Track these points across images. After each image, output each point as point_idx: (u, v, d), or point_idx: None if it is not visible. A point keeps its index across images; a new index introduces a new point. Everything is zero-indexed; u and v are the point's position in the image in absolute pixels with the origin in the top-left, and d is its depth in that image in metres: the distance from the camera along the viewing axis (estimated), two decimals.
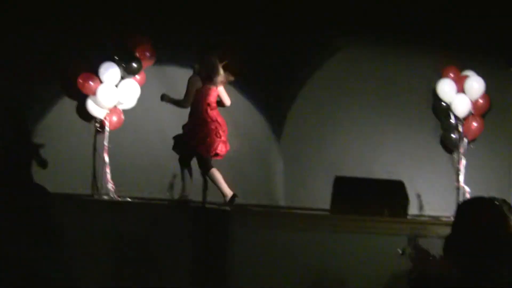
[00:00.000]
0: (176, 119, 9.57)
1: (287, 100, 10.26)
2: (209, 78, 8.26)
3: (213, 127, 8.23)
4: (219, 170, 8.18)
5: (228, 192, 8.18)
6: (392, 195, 7.96)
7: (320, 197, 9.04)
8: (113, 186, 9.29)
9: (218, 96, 8.41)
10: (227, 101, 8.47)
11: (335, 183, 7.95)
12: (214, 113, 8.33)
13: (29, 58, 9.52)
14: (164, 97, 8.58)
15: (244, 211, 7.50)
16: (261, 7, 10.05)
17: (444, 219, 8.23)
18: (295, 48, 10.15)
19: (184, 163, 8.35)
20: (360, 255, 6.98)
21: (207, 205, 7.04)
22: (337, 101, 10.34)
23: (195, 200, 8.61)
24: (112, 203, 8.72)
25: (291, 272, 6.81)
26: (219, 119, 8.31)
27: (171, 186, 9.66)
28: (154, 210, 7.70)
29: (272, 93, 10.18)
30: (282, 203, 9.90)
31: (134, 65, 9.45)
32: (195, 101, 8.28)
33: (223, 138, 8.29)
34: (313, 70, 10.31)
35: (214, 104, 8.30)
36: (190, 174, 8.36)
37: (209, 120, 8.25)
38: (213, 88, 8.31)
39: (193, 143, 8.20)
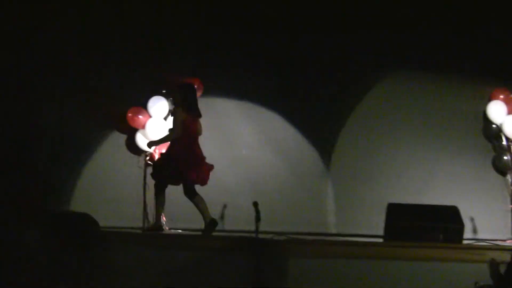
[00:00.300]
0: (223, 151, 10.07)
1: (336, 129, 10.19)
2: (192, 110, 8.46)
3: (200, 155, 8.48)
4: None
5: (209, 217, 8.45)
6: (446, 220, 7.81)
7: (372, 223, 8.95)
8: (164, 219, 9.23)
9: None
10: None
11: (388, 210, 7.87)
12: (197, 142, 8.53)
13: (80, 92, 9.72)
14: (151, 144, 8.83)
15: (297, 240, 7.45)
16: (304, 43, 10.12)
17: (499, 242, 8.11)
18: (343, 78, 10.16)
19: (161, 191, 8.50)
20: (416, 283, 6.89)
21: (259, 235, 6.62)
22: (386, 129, 10.23)
23: (238, 229, 8.81)
24: (164, 236, 8.69)
25: None
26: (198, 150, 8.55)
27: (222, 217, 9.78)
28: (206, 241, 7.72)
29: (320, 123, 10.14)
30: (333, 230, 9.82)
31: None
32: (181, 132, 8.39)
33: (206, 166, 8.54)
34: (361, 98, 10.27)
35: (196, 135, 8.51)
36: (164, 202, 8.56)
37: (196, 149, 8.49)
38: (197, 119, 8.52)
39: (184, 170, 8.32)
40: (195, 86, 8.90)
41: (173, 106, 8.72)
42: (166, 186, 8.44)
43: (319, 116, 10.11)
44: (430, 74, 10.25)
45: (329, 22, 10.23)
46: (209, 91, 9.98)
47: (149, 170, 9.53)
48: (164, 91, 9.67)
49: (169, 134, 8.55)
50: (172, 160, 8.31)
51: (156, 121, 9.50)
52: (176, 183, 8.44)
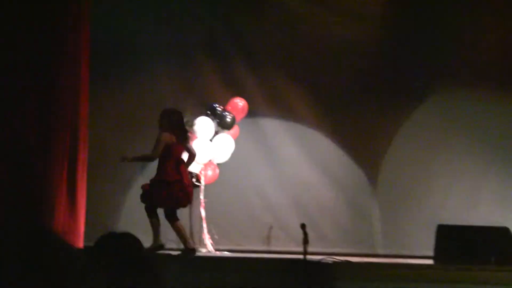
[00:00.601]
0: (269, 171, 10.12)
1: (382, 148, 10.17)
2: (178, 135, 8.51)
3: (185, 181, 8.53)
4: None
5: (190, 245, 8.53)
6: (498, 242, 7.64)
7: (420, 244, 8.93)
8: (211, 240, 9.34)
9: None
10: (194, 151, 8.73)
11: (438, 232, 7.68)
12: (183, 165, 8.62)
13: (127, 112, 9.93)
14: (125, 158, 8.76)
15: (346, 263, 7.37)
16: (348, 61, 10.15)
17: None
18: (390, 95, 10.16)
19: (153, 213, 8.53)
20: None
21: (307, 258, 6.72)
22: (433, 146, 10.14)
23: (285, 250, 8.97)
24: (210, 258, 8.74)
25: None
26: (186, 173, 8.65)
27: (268, 238, 9.91)
28: (253, 263, 7.70)
29: (366, 142, 10.17)
30: (381, 251, 9.75)
31: (228, 119, 9.53)
32: (166, 156, 8.47)
33: (190, 189, 8.65)
34: (409, 115, 10.19)
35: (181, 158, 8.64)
36: (159, 221, 8.53)
37: (184, 172, 8.57)
38: (182, 145, 8.59)
39: (175, 192, 8.46)
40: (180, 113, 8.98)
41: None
42: (156, 208, 8.54)
43: (365, 135, 10.11)
44: (479, 90, 10.09)
45: (373, 42, 10.26)
46: (255, 112, 10.04)
47: (195, 191, 9.50)
48: (209, 112, 9.60)
49: (147, 154, 8.68)
50: (163, 183, 8.41)
51: (202, 142, 9.45)
52: (168, 205, 8.55)
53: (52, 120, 9.29)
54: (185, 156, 8.67)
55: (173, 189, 8.47)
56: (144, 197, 8.54)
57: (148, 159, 8.81)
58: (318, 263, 7.09)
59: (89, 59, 9.64)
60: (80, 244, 9.07)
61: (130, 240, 3.39)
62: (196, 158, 9.31)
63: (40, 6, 9.42)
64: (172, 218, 8.52)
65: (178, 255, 8.58)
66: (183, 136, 8.63)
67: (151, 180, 8.56)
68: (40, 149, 9.14)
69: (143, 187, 8.62)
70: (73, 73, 9.43)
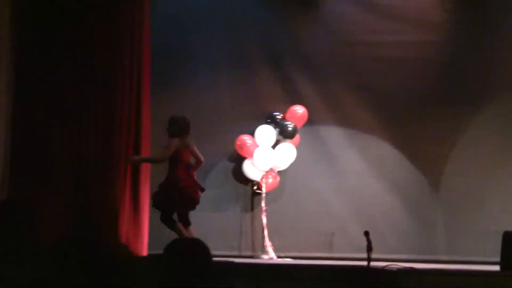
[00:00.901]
0: (330, 179, 10.18)
1: (445, 154, 10.10)
2: (186, 140, 8.66)
3: (195, 185, 8.70)
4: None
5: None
6: None
7: (483, 250, 9.06)
8: (272, 247, 9.43)
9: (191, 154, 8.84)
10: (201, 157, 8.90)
11: (505, 238, 7.53)
12: (191, 169, 8.80)
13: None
14: (132, 160, 9.06)
15: (410, 270, 7.27)
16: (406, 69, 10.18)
17: None
18: (450, 101, 10.05)
19: (170, 219, 8.63)
20: None
21: (371, 265, 6.76)
22: (495, 152, 10.07)
23: (347, 257, 8.95)
24: (271, 266, 8.65)
25: None
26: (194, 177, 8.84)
27: (330, 244, 9.85)
28: (316, 270, 7.56)
29: (428, 149, 10.12)
30: (444, 257, 9.61)
31: (290, 129, 9.64)
32: (177, 161, 8.60)
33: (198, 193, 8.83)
34: (470, 121, 10.12)
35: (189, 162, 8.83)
36: (177, 223, 8.65)
37: (193, 176, 8.75)
38: (189, 150, 8.77)
39: (191, 195, 8.61)
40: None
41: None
42: (172, 214, 8.62)
43: (426, 142, 10.05)
44: None
45: (433, 49, 10.27)
46: (315, 120, 10.08)
47: (256, 198, 9.82)
48: (269, 121, 9.75)
49: (155, 157, 8.95)
50: (175, 188, 8.52)
51: (264, 149, 9.56)
52: (180, 208, 8.64)
53: (116, 126, 9.38)
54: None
55: (185, 192, 8.58)
56: (157, 204, 8.68)
57: (154, 161, 8.99)
58: (382, 270, 7.02)
59: (151, 67, 9.71)
60: (144, 252, 9.23)
61: (200, 247, 3.44)
62: (258, 166, 9.49)
63: (105, 18, 9.57)
64: (187, 221, 8.68)
65: (245, 263, 8.64)
66: (189, 142, 8.77)
67: (161, 185, 8.69)
68: (104, 155, 9.25)
69: (155, 194, 8.77)
70: (135, 82, 9.55)
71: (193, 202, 8.72)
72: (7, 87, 9.29)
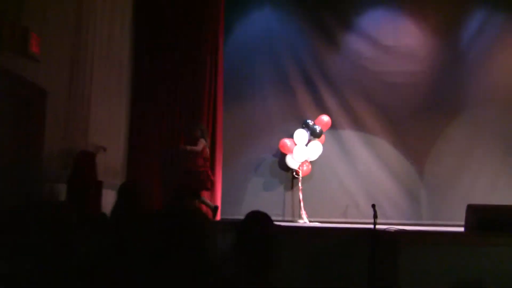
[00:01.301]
0: (348, 168, 10.30)
1: (427, 148, 10.28)
2: (206, 141, 8.97)
3: (209, 171, 9.02)
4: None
5: (212, 204, 9.06)
6: None
7: (456, 216, 8.40)
8: (306, 214, 9.74)
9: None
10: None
11: (468, 210, 7.11)
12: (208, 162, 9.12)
13: (248, 124, 10.26)
14: (182, 148, 9.08)
15: (403, 231, 6.90)
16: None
17: None
18: (433, 111, 10.24)
19: (199, 195, 8.97)
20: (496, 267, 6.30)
21: (377, 228, 6.61)
22: (466, 146, 10.27)
23: (358, 221, 9.05)
24: (306, 227, 8.90)
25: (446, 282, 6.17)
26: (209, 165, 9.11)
27: (346, 213, 10.03)
28: (336, 232, 7.46)
29: (415, 144, 10.25)
30: (426, 222, 9.69)
31: (317, 130, 9.89)
32: (198, 154, 8.82)
33: (212, 177, 9.10)
34: (447, 125, 10.34)
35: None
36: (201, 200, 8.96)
37: (207, 167, 9.02)
38: (206, 147, 9.03)
39: (209, 177, 8.92)
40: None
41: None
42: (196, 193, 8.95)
43: (416, 140, 10.25)
44: (491, 107, 10.31)
45: (422, 74, 10.48)
46: (337, 125, 10.36)
47: (295, 181, 9.97)
48: (303, 126, 9.97)
49: (194, 148, 8.85)
50: (196, 173, 8.83)
51: (300, 147, 9.83)
52: (206, 187, 8.97)
53: (203, 124, 9.43)
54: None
55: (203, 175, 8.87)
56: (183, 188, 8.82)
57: (194, 151, 8.85)
58: (384, 231, 6.86)
59: (223, 81, 9.89)
60: (218, 217, 9.23)
61: (263, 216, 3.40)
62: (295, 158, 9.72)
63: (192, 49, 9.67)
64: (198, 196, 8.95)
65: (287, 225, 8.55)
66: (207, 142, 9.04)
67: (184, 172, 8.87)
68: (187, 150, 9.16)
69: (184, 182, 8.87)
70: (213, 96, 9.69)
71: (207, 184, 8.91)
72: (126, 95, 9.43)
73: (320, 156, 10.06)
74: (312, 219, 9.76)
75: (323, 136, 10.08)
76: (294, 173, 10.12)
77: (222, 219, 9.43)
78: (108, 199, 6.54)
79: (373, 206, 6.76)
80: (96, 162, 6.89)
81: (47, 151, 6.23)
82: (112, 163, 8.53)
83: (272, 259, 2.99)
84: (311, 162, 10.11)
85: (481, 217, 6.95)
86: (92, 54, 7.58)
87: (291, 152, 9.95)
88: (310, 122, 10.07)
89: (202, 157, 8.95)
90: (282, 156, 10.19)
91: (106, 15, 8.17)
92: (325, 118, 10.17)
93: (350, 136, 10.47)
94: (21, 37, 5.49)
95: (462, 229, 7.27)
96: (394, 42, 10.57)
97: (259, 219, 3.41)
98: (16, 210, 2.92)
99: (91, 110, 7.58)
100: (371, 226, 6.86)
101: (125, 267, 1.81)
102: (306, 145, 9.96)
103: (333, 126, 10.32)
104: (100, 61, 7.92)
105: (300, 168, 9.97)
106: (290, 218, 10.08)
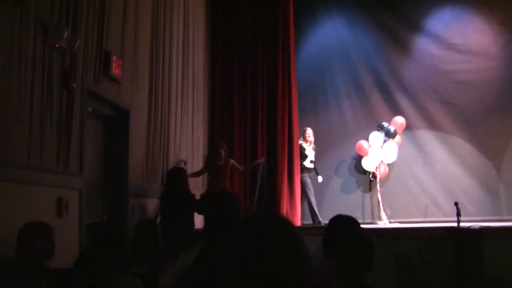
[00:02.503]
0: (425, 168, 10.23)
1: (503, 145, 10.07)
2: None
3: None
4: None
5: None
6: None
7: None
8: (386, 215, 9.69)
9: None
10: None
11: None
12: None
13: (323, 131, 10.25)
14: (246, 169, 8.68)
15: (487, 228, 6.74)
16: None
17: None
18: (506, 106, 10.03)
19: None
20: None
21: (460, 226, 6.70)
22: None
23: (439, 219, 9.04)
24: (386, 228, 8.77)
25: None
26: None
27: (426, 211, 10.00)
28: (419, 232, 7.43)
29: (491, 142, 10.07)
30: (506, 217, 9.52)
31: (391, 130, 9.84)
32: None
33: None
34: None
35: None
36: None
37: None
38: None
39: None
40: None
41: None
42: None
43: (491, 137, 10.06)
44: None
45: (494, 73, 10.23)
46: (412, 126, 10.30)
47: (373, 184, 9.92)
48: (379, 128, 9.94)
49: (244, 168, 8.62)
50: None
51: (375, 148, 9.83)
52: None
53: (279, 141, 9.55)
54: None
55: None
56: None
57: (243, 172, 8.67)
58: (468, 229, 6.78)
59: (297, 91, 9.86)
60: (298, 223, 9.28)
61: (350, 218, 3.46)
62: (371, 159, 9.68)
63: (270, 64, 9.87)
64: None
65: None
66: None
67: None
68: (271, 155, 9.47)
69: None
70: (287, 106, 9.72)
71: None
72: (203, 108, 9.52)
73: (397, 158, 10.02)
74: (392, 220, 9.63)
75: (399, 138, 10.00)
76: (371, 176, 10.05)
77: (303, 225, 9.42)
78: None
79: (456, 204, 6.73)
80: (187, 176, 6.91)
81: (131, 167, 6.31)
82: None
83: (367, 260, 2.98)
84: (388, 164, 10.04)
85: None
86: (169, 71, 7.71)
87: (367, 154, 9.90)
88: (385, 124, 10.02)
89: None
90: (360, 159, 10.16)
91: (180, 33, 8.30)
92: (400, 119, 10.10)
93: (426, 136, 10.38)
94: (104, 60, 5.66)
95: None
96: (464, 40, 10.40)
97: (346, 221, 3.47)
98: None
99: (171, 125, 7.70)
100: (453, 224, 6.85)
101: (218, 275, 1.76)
102: (382, 146, 9.87)
103: (408, 127, 10.26)
104: (177, 79, 8.05)
105: (378, 169, 9.87)
106: (369, 220, 9.97)
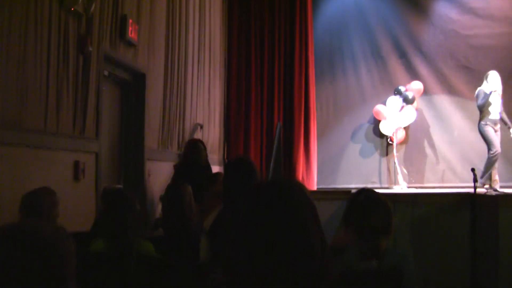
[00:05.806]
0: (442, 134, 10.12)
1: None
2: None
3: None
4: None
5: None
6: None
7: None
8: (403, 180, 9.69)
9: None
10: None
11: None
12: None
13: (340, 99, 10.32)
14: None
15: (504, 194, 6.85)
16: None
17: None
18: None
19: None
20: None
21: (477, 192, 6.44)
22: None
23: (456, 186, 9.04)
24: (403, 193, 8.54)
25: None
26: None
27: (443, 176, 9.97)
28: (437, 198, 7.36)
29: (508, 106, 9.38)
30: None
31: (410, 96, 9.82)
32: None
33: None
34: None
35: None
36: None
37: None
38: None
39: None
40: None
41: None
42: None
43: (508, 100, 9.18)
44: None
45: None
46: (429, 91, 10.20)
47: (389, 148, 9.93)
48: (396, 93, 9.91)
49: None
50: None
51: (393, 113, 9.80)
52: None
53: (295, 105, 9.70)
54: None
55: None
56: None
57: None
58: (485, 194, 6.83)
59: (314, 63, 9.97)
60: (314, 187, 9.45)
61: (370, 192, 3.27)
62: (389, 125, 9.70)
63: (286, 29, 9.98)
64: None
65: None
66: None
67: None
68: (288, 122, 9.67)
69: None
70: (304, 70, 9.81)
71: None
72: (220, 73, 9.52)
73: (414, 122, 9.98)
74: (409, 185, 9.69)
75: (416, 103, 9.96)
76: (389, 140, 10.04)
77: (318, 189, 9.56)
78: None
79: (473, 170, 6.59)
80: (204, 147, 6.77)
81: (147, 131, 6.33)
82: (211, 139, 8.70)
83: (384, 225, 2.94)
84: (405, 128, 10.02)
85: None
86: (186, 35, 7.68)
87: (385, 118, 9.89)
88: (402, 89, 9.98)
89: None
90: (377, 123, 10.15)
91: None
92: (417, 84, 10.03)
93: (443, 101, 10.26)
94: (120, 24, 5.66)
95: None
96: (484, 4, 10.20)
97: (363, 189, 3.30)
98: None
99: (187, 90, 7.72)
100: (470, 190, 6.74)
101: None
102: (399, 111, 9.87)
103: (426, 92, 10.18)
104: (194, 44, 8.03)
105: (394, 134, 9.85)
106: (386, 185, 9.99)
